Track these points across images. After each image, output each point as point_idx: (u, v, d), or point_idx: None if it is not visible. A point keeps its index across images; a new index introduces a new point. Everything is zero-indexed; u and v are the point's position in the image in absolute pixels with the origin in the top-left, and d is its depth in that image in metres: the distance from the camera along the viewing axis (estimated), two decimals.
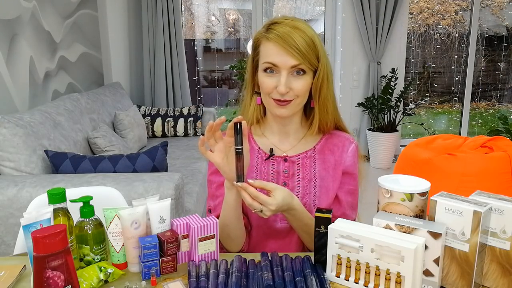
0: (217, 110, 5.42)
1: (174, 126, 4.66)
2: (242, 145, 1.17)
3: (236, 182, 1.18)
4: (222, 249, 1.39)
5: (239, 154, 1.17)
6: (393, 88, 4.92)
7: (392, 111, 4.99)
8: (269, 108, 1.36)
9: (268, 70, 1.29)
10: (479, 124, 6.69)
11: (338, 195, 1.42)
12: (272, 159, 1.42)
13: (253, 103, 1.42)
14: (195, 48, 6.21)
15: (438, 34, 6.50)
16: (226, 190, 1.27)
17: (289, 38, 1.24)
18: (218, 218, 1.25)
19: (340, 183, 1.43)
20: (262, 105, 1.42)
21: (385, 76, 5.09)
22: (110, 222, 1.18)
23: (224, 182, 1.27)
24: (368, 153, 5.16)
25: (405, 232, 1.03)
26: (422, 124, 5.67)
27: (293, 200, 1.25)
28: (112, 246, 1.19)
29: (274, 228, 1.42)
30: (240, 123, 1.15)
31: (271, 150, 1.41)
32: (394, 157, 5.06)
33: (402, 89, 4.99)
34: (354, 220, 1.39)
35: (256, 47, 1.35)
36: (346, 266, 1.08)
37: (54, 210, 1.14)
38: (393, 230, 1.05)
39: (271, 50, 1.27)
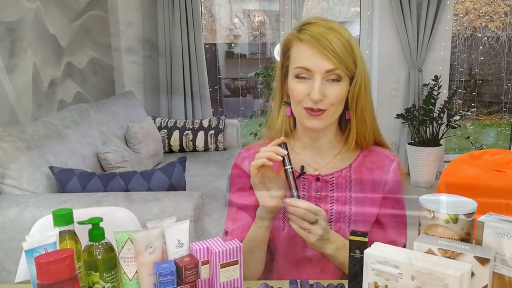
0: (240, 122, 5.44)
1: (193, 140, 4.69)
2: (291, 164, 1.24)
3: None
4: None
5: (292, 174, 1.24)
6: (436, 97, 4.88)
7: (434, 123, 4.95)
8: (300, 119, 1.35)
9: (300, 76, 1.29)
10: None
11: (381, 220, 1.40)
12: (303, 178, 1.40)
13: (282, 114, 1.42)
14: (217, 53, 6.28)
15: (486, 38, 6.45)
16: (259, 219, 1.30)
17: (324, 39, 1.24)
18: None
19: (382, 206, 1.41)
20: (292, 117, 1.41)
21: (427, 85, 5.06)
22: (122, 247, 1.18)
23: (257, 210, 1.30)
24: (409, 169, 5.13)
25: (449, 258, 1.02)
26: (468, 137, 5.59)
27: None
28: (125, 273, 1.19)
29: (304, 255, 1.40)
30: (285, 143, 1.24)
31: (302, 167, 1.40)
32: (437, 174, 5.02)
33: (446, 99, 4.95)
34: (404, 246, 1.37)
35: (286, 51, 1.35)
36: None
37: (60, 233, 1.14)
38: (436, 255, 1.03)
39: (304, 53, 1.27)
